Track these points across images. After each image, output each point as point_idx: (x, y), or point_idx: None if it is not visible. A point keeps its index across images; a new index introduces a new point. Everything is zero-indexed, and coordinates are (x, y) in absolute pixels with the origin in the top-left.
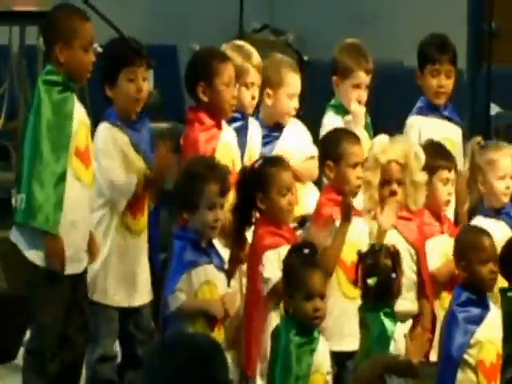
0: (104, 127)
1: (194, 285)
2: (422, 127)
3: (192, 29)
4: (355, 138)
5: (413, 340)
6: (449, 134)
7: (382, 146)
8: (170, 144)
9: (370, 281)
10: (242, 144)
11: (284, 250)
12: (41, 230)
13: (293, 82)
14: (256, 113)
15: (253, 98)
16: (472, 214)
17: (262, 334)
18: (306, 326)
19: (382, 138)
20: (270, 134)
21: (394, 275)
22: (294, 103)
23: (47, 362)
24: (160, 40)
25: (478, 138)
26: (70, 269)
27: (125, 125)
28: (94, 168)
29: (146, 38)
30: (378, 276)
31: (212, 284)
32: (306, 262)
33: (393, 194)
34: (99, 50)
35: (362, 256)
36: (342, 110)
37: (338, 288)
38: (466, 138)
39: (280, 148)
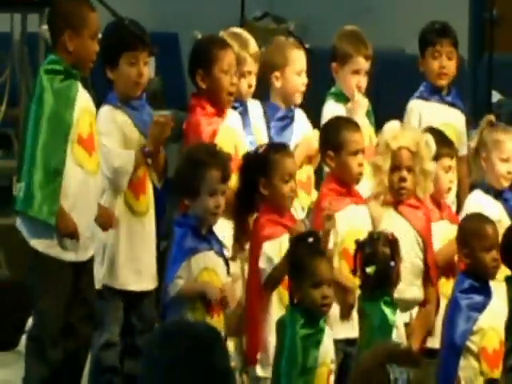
0: (104, 109)
1: (194, 271)
2: (423, 111)
3: (194, 17)
4: (355, 126)
5: (417, 320)
6: (450, 119)
7: (393, 132)
8: (168, 118)
9: (369, 269)
10: (247, 127)
11: (285, 238)
12: (37, 218)
13: (298, 58)
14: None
15: (249, 86)
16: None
17: (261, 323)
18: (312, 316)
19: (394, 124)
20: (287, 114)
21: (392, 263)
22: (303, 79)
23: (48, 348)
24: (162, 28)
25: (491, 116)
26: (73, 256)
27: (125, 106)
28: (98, 156)
29: (148, 26)
30: (376, 265)
31: (212, 271)
32: (313, 251)
33: (402, 180)
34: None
35: (360, 245)
36: (343, 98)
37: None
38: (470, 124)
39: (299, 132)
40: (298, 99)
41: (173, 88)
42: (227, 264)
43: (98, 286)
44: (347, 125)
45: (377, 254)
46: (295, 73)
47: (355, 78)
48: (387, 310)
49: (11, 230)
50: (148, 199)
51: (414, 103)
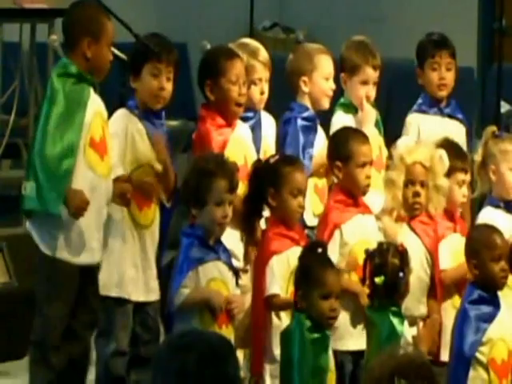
0: (120, 112)
1: (201, 282)
2: (421, 125)
3: (203, 27)
4: (364, 138)
5: (424, 329)
6: (450, 131)
7: (407, 147)
8: (157, 138)
9: (378, 280)
10: (257, 139)
11: (292, 252)
12: (44, 211)
13: (325, 63)
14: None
15: (262, 93)
16: (482, 203)
17: (267, 335)
18: (317, 323)
19: (408, 138)
20: (313, 118)
21: (401, 274)
22: (330, 84)
23: (51, 353)
24: (171, 38)
25: (493, 127)
26: (81, 259)
27: (143, 115)
28: (110, 159)
29: None
30: (385, 275)
31: (220, 281)
32: (323, 261)
33: (416, 195)
34: (116, 52)
35: (369, 255)
36: (352, 109)
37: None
38: (471, 136)
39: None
40: (326, 104)
41: (181, 98)
42: (236, 274)
43: (102, 292)
44: (356, 136)
45: (386, 265)
46: (323, 77)
47: (364, 88)
48: (395, 320)
49: (21, 240)
50: (152, 213)
51: (412, 117)
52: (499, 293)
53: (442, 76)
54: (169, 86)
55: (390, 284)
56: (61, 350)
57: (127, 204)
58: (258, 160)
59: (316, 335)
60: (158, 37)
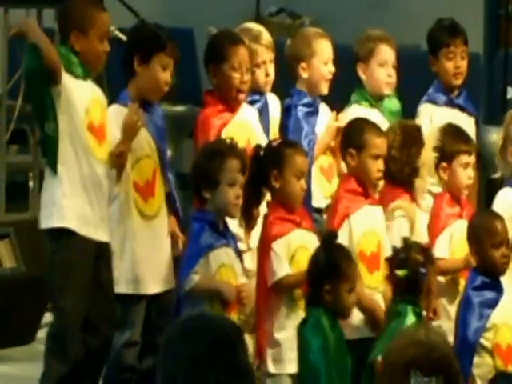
0: (111, 109)
1: (212, 268)
2: (433, 115)
3: (209, 12)
4: (379, 130)
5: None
6: (459, 122)
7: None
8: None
9: (400, 272)
10: (265, 122)
11: (294, 235)
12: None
13: (324, 48)
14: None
15: (267, 75)
16: (502, 183)
17: (269, 320)
18: (335, 318)
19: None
20: (313, 103)
21: (423, 270)
22: (329, 67)
23: (68, 347)
24: (177, 23)
25: None
26: (89, 232)
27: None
28: (108, 146)
29: (163, 22)
30: (407, 269)
31: (229, 267)
32: (346, 254)
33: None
34: (117, 33)
35: (394, 251)
36: (367, 101)
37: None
38: (480, 126)
39: (322, 126)
40: (325, 89)
41: (188, 83)
42: (242, 260)
43: (117, 290)
44: (372, 127)
45: (409, 260)
46: (322, 62)
47: (383, 70)
48: (414, 319)
49: (28, 226)
50: (158, 202)
51: (424, 107)
52: (502, 277)
53: (458, 65)
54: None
55: (411, 278)
56: (80, 343)
57: (123, 165)
58: (258, 145)
59: (339, 331)
60: (164, 29)
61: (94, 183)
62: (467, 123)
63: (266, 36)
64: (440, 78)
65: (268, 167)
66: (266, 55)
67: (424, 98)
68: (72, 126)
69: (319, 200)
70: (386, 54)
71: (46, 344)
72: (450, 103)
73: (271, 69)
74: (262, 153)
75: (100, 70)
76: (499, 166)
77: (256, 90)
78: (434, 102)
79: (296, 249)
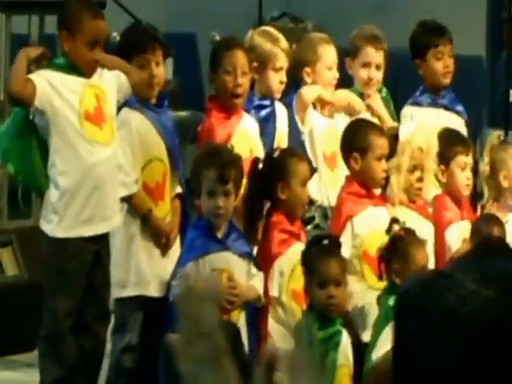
0: (120, 114)
1: (201, 272)
2: (414, 117)
3: (211, 17)
4: (380, 130)
5: None
6: (445, 123)
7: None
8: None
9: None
10: (271, 130)
11: (294, 249)
12: None
13: (328, 53)
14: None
15: (281, 82)
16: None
17: (265, 330)
18: (327, 318)
19: (409, 125)
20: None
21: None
22: (334, 73)
23: (62, 349)
24: (179, 28)
25: (498, 132)
26: (92, 229)
27: (144, 107)
28: (111, 125)
29: (166, 27)
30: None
31: (227, 272)
32: (322, 251)
33: (420, 180)
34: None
35: (381, 250)
36: (361, 98)
37: (364, 280)
38: (470, 127)
39: None
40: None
41: (190, 89)
42: (256, 263)
43: (118, 294)
44: (373, 128)
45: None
46: (326, 68)
47: (365, 71)
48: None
49: (30, 233)
50: (167, 205)
51: (406, 109)
52: None
53: (447, 64)
54: (159, 71)
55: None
56: (73, 344)
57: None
58: (257, 158)
59: (325, 334)
60: (138, 27)
61: (104, 170)
62: (456, 123)
63: (284, 42)
64: (426, 80)
65: (273, 180)
66: (284, 62)
67: (408, 101)
68: (65, 137)
69: (324, 192)
70: (370, 56)
71: (39, 349)
72: (434, 104)
73: (285, 77)
74: (261, 166)
75: (89, 76)
76: (486, 192)
77: (267, 95)
78: (417, 103)
79: (295, 264)
